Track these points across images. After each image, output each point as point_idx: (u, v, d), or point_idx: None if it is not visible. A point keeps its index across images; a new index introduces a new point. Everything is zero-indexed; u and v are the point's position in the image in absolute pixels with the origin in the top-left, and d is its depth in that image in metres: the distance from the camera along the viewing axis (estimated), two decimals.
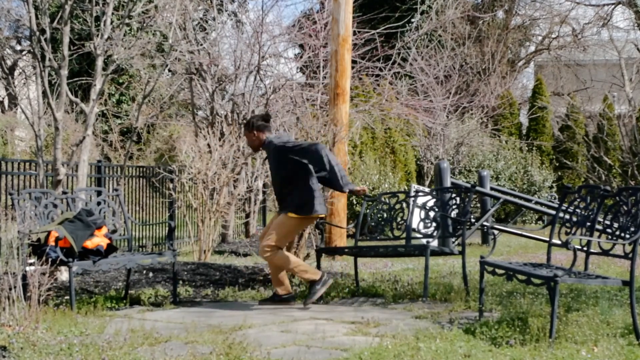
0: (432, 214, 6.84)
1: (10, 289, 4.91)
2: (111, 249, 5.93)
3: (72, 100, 7.67)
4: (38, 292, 4.96)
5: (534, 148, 18.81)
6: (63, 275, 6.95)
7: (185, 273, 7.44)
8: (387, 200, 7.26)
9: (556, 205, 11.22)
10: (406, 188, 14.66)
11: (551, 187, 17.74)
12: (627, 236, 4.84)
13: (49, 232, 5.62)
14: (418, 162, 17.32)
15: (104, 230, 5.94)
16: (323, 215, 6.46)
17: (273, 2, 16.53)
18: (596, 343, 4.55)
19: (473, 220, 6.91)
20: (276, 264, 6.12)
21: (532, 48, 26.68)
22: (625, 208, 4.96)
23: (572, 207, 5.44)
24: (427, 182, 16.43)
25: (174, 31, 9.87)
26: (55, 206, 6.12)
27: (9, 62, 17.25)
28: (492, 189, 12.57)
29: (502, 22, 24.17)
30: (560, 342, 4.56)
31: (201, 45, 11.57)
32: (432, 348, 4.37)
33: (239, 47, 11.94)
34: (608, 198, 5.25)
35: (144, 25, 9.40)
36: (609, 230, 5.50)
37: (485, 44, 21.76)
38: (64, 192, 6.81)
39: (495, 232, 7.99)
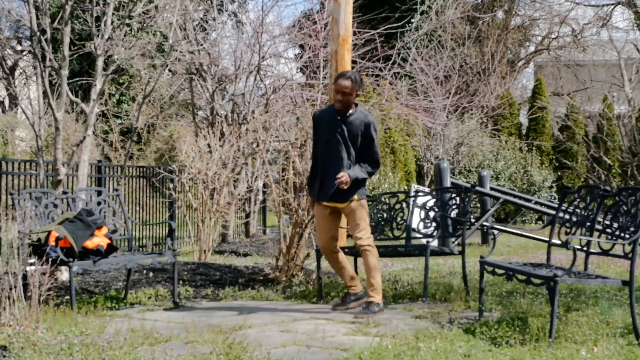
0: (432, 214, 6.85)
1: (10, 289, 4.91)
2: (111, 248, 5.94)
3: (73, 100, 7.67)
4: (38, 292, 4.96)
5: (533, 148, 18.81)
6: (63, 275, 6.96)
7: (186, 273, 7.45)
8: (387, 200, 7.27)
9: (556, 205, 11.23)
10: (406, 188, 14.66)
11: (551, 187, 17.75)
12: (627, 236, 4.84)
13: (49, 232, 5.63)
14: (418, 162, 17.33)
15: (104, 230, 5.94)
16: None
17: (273, 3, 16.59)
18: (596, 343, 4.56)
19: (473, 220, 6.92)
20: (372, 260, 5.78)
21: (532, 48, 26.69)
22: (625, 208, 4.97)
23: (571, 207, 5.44)
24: (427, 182, 16.43)
25: (174, 31, 9.88)
26: (55, 206, 6.13)
27: (9, 62, 17.26)
28: (492, 189, 12.58)
29: (502, 23, 24.18)
30: (560, 342, 4.57)
31: (201, 45, 11.58)
32: (432, 348, 4.38)
33: (239, 47, 11.94)
34: (608, 198, 5.26)
35: (144, 25, 9.40)
36: (608, 230, 5.50)
37: (485, 44, 21.77)
38: (65, 192, 6.82)
39: (495, 232, 8.00)
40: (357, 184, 5.82)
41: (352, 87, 5.76)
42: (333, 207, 5.90)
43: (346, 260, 6.11)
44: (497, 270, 5.13)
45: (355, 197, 5.81)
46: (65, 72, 7.35)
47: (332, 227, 5.96)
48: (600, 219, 5.53)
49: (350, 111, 5.83)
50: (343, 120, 5.82)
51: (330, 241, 5.96)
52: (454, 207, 6.87)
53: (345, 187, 5.72)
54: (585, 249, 5.22)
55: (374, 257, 5.75)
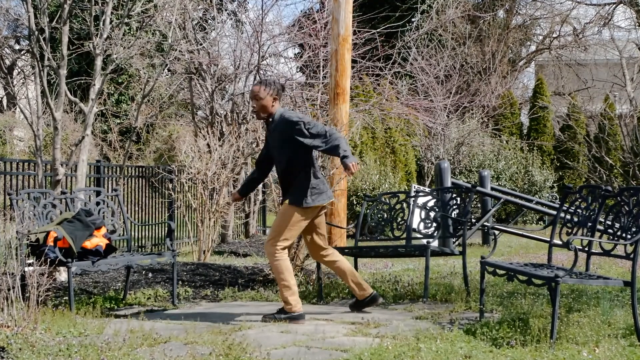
0: (432, 214, 6.82)
1: (8, 290, 4.89)
2: (110, 249, 5.91)
3: (71, 99, 7.65)
4: (37, 292, 4.94)
5: (534, 148, 18.79)
6: (62, 275, 6.94)
7: (185, 273, 7.43)
8: (387, 201, 7.24)
9: (557, 206, 11.20)
10: (406, 188, 14.64)
11: (552, 187, 17.72)
12: (629, 236, 4.82)
13: (47, 233, 5.60)
14: (418, 162, 17.30)
15: (103, 230, 5.91)
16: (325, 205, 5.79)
17: (273, 2, 16.49)
18: (597, 344, 4.53)
19: (474, 220, 6.89)
20: (276, 268, 5.47)
21: (533, 47, 26.65)
22: (627, 208, 4.94)
23: (573, 208, 5.41)
24: (427, 182, 16.40)
25: (174, 30, 9.85)
26: (54, 206, 6.10)
27: (7, 62, 17.23)
28: (492, 189, 12.55)
29: (503, 22, 24.14)
30: (562, 343, 4.54)
31: (201, 44, 11.55)
32: (432, 349, 4.35)
33: (238, 46, 11.91)
34: (609, 198, 5.23)
35: (144, 24, 9.38)
36: (610, 231, 5.47)
37: (486, 43, 21.73)
38: (63, 192, 6.79)
39: (496, 232, 7.97)
40: (299, 188, 5.48)
41: (262, 90, 5.45)
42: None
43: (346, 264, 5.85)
44: (498, 270, 5.10)
45: (287, 201, 5.52)
46: (63, 72, 7.32)
47: (307, 231, 5.69)
48: (601, 219, 5.50)
49: (273, 118, 5.52)
50: (269, 130, 5.57)
51: (311, 247, 5.75)
52: (454, 207, 6.84)
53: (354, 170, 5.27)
54: (586, 249, 5.19)
55: (277, 264, 5.44)
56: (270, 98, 5.47)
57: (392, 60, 13.40)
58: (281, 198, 5.79)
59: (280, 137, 5.48)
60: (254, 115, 5.59)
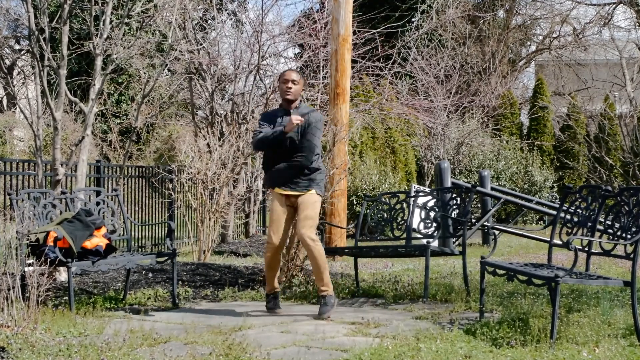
0: (432, 214, 6.82)
1: (8, 290, 4.89)
2: (110, 249, 5.91)
3: (71, 99, 7.65)
4: (37, 292, 4.94)
5: (534, 148, 18.79)
6: (62, 275, 6.93)
7: (185, 273, 7.42)
8: (387, 201, 7.24)
9: (557, 206, 11.20)
10: (406, 188, 14.64)
11: (552, 187, 17.73)
12: (629, 236, 4.82)
13: (47, 233, 5.60)
14: (418, 162, 17.30)
15: (103, 230, 5.91)
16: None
17: (273, 2, 16.48)
18: (597, 344, 4.53)
19: (474, 220, 6.89)
20: (318, 252, 5.63)
21: (533, 47, 26.65)
22: (627, 208, 4.94)
23: (573, 208, 5.42)
24: (427, 182, 16.40)
25: (174, 30, 9.85)
26: (54, 206, 6.10)
27: (7, 62, 17.23)
28: (492, 189, 12.55)
29: (503, 22, 24.14)
30: (562, 343, 4.55)
31: (201, 44, 11.55)
32: (432, 349, 4.35)
33: (238, 46, 11.91)
34: (609, 198, 5.23)
35: (144, 24, 9.38)
36: (610, 231, 5.47)
37: (486, 43, 21.72)
38: (63, 192, 6.79)
39: (496, 232, 7.97)
40: (320, 180, 5.78)
41: (299, 78, 5.83)
42: (288, 196, 5.79)
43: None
44: (498, 270, 5.10)
45: (313, 191, 5.74)
46: (63, 72, 7.32)
47: (290, 224, 5.91)
48: (601, 219, 5.50)
49: (296, 104, 5.84)
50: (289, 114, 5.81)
51: (285, 241, 5.88)
52: (454, 207, 6.85)
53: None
54: (586, 249, 5.19)
55: (320, 249, 5.65)
56: (301, 87, 5.86)
57: (392, 60, 13.41)
58: (285, 187, 5.78)
59: (312, 128, 5.73)
60: (287, 95, 5.78)
